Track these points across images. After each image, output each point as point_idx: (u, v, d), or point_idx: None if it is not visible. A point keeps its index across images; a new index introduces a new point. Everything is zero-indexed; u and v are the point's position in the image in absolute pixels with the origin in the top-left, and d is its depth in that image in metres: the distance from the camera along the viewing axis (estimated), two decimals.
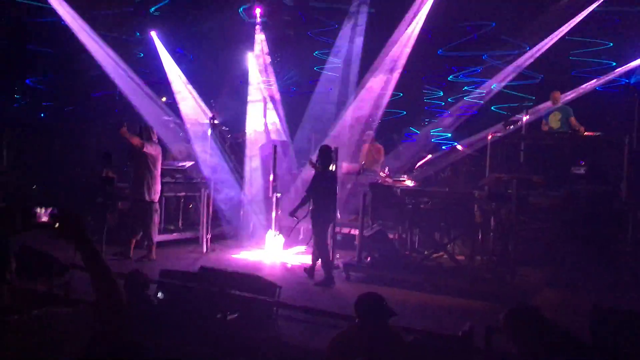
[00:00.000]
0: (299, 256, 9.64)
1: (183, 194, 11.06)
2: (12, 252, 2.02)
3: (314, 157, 8.75)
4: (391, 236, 9.15)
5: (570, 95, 11.67)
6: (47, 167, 13.42)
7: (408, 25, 12.44)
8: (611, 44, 11.97)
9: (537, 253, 8.50)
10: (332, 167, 8.48)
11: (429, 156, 11.10)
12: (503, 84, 12.65)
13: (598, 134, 9.73)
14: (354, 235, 9.82)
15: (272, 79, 13.64)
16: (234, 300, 5.49)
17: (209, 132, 11.72)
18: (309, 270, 8.41)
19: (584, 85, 12.01)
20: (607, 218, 8.42)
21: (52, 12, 11.96)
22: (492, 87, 12.85)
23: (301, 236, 10.91)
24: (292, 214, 8.49)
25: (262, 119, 13.26)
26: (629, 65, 11.71)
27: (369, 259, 8.61)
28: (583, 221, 8.39)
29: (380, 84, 12.89)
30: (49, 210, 2.14)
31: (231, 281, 6.06)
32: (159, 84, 13.80)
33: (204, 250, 9.83)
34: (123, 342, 4.67)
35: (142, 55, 14.09)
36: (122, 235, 9.29)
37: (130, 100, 12.93)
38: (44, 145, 14.26)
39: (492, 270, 7.93)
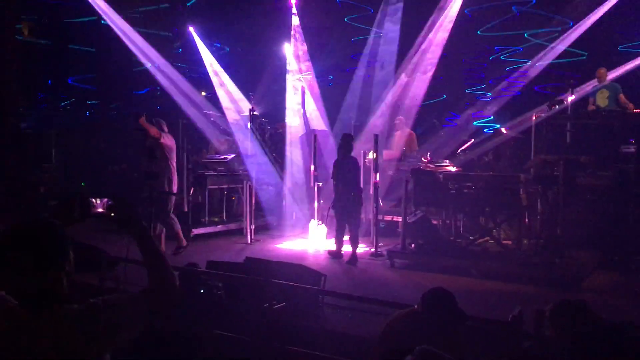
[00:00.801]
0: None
1: (226, 186, 11.17)
2: (70, 244, 2.07)
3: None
4: (435, 222, 9.04)
5: (617, 71, 11.26)
6: (94, 164, 13.77)
7: (446, 6, 12.22)
8: None
9: (586, 235, 8.26)
10: (372, 155, 8.48)
11: (472, 140, 10.91)
12: (546, 62, 12.29)
13: None
14: (397, 222, 9.76)
15: (310, 68, 13.64)
16: (280, 290, 5.53)
17: (249, 124, 11.81)
18: (336, 253, 8.76)
19: (632, 61, 11.57)
20: None
21: (92, 11, 12.22)
22: (535, 66, 12.50)
23: None
24: (333, 207, 8.92)
25: (301, 108, 13.27)
26: None
27: (413, 245, 8.54)
28: (634, 201, 8.11)
29: (420, 69, 12.72)
30: (105, 200, 2.22)
31: (276, 271, 6.11)
32: (199, 79, 13.98)
33: (248, 241, 9.92)
34: (176, 330, 4.79)
35: (181, 50, 14.28)
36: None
37: (171, 95, 13.13)
38: (91, 143, 14.64)
39: (540, 254, 7.76)
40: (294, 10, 13.36)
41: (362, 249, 9.24)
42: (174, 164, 8.99)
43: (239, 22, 13.66)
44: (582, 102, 10.51)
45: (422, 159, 9.95)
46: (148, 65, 12.96)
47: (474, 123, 13.40)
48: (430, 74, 12.65)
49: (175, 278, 2.25)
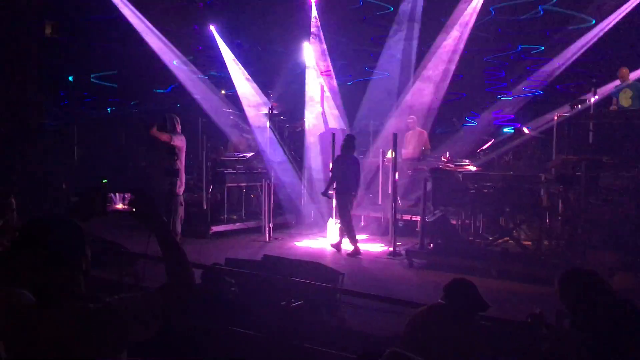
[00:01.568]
0: (361, 244, 9.63)
1: (245, 184, 11.21)
2: (88, 241, 2.08)
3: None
4: (454, 222, 8.99)
5: None
6: (115, 160, 13.90)
7: (468, 4, 12.12)
8: None
9: (608, 236, 8.15)
10: (391, 154, 8.47)
11: (492, 140, 10.81)
12: (569, 61, 12.13)
13: None
14: (415, 222, 9.72)
15: (329, 66, 13.63)
16: (298, 288, 5.54)
17: (268, 122, 11.83)
18: (337, 245, 9.17)
19: None
20: None
21: (113, 8, 12.34)
22: (557, 65, 12.34)
23: (362, 223, 10.90)
24: (324, 193, 9.54)
25: (320, 107, 13.27)
26: None
27: (431, 245, 8.50)
28: None
29: (440, 67, 12.64)
30: (124, 195, 2.22)
31: (294, 269, 6.12)
32: (218, 77, 14.04)
33: (267, 238, 9.95)
34: (192, 326, 4.81)
35: (201, 48, 14.36)
36: (184, 226, 9.42)
37: (191, 93, 13.21)
38: (111, 140, 14.78)
39: (561, 255, 7.67)
40: (314, 8, 13.36)
41: (380, 248, 9.22)
42: (183, 165, 9.08)
43: (258, 20, 13.69)
44: (605, 101, 10.36)
45: (442, 158, 9.89)
46: (174, 62, 13.07)
47: (495, 122, 13.28)
48: (450, 72, 12.56)
49: (192, 273, 2.26)
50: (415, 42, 13.12)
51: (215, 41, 13.61)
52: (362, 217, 11.01)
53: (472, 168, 9.41)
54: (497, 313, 5.16)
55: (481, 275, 7.48)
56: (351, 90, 14.11)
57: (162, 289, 2.16)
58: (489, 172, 9.29)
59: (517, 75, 13.19)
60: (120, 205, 2.22)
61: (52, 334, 1.88)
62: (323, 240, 9.81)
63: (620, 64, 10.55)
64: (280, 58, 13.97)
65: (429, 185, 8.80)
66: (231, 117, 13.14)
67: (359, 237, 9.90)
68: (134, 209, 2.22)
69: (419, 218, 9.01)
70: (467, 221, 8.94)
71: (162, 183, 8.73)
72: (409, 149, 11.38)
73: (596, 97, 9.69)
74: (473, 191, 8.48)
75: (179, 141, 8.99)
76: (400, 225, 9.63)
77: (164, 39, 12.94)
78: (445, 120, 12.77)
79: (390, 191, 9.38)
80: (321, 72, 13.53)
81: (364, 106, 13.50)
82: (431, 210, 8.89)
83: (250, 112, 13.16)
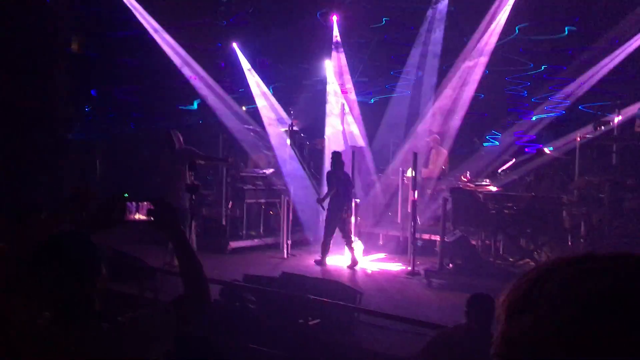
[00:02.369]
0: (379, 263, 9.57)
1: (264, 200, 11.24)
2: (104, 259, 2.08)
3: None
4: (474, 242, 8.90)
5: None
6: (137, 174, 14.03)
7: (490, 23, 12.11)
8: None
9: None
10: (411, 172, 8.43)
11: (513, 160, 10.73)
12: (592, 81, 12.02)
13: None
14: (434, 241, 9.64)
15: (350, 84, 13.68)
16: (316, 306, 5.51)
17: (288, 140, 11.88)
18: (352, 264, 9.18)
19: None
20: None
21: (138, 24, 12.57)
22: (580, 85, 12.24)
23: (380, 242, 10.83)
24: (320, 202, 9.61)
25: (340, 124, 13.30)
26: None
27: (450, 265, 8.41)
28: None
29: (461, 86, 12.62)
30: (142, 204, 2.18)
31: (312, 286, 6.10)
32: (240, 93, 14.16)
33: (285, 255, 9.93)
34: (209, 342, 4.81)
35: (224, 65, 14.52)
36: (202, 241, 9.41)
37: (213, 109, 13.33)
38: (133, 154, 14.95)
39: None
40: (335, 26, 13.46)
41: (398, 267, 9.15)
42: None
43: (280, 37, 13.82)
44: (630, 122, 10.22)
45: (462, 177, 9.83)
46: (194, 77, 13.24)
47: (516, 142, 13.17)
48: (471, 92, 12.52)
49: (208, 285, 2.25)
50: (436, 61, 13.11)
51: (238, 58, 13.77)
52: (381, 235, 10.94)
53: (493, 188, 9.34)
54: None
55: None
56: (372, 108, 14.12)
57: (177, 302, 2.16)
58: (510, 192, 9.22)
59: (540, 95, 13.09)
60: (137, 215, 2.17)
61: (65, 353, 1.87)
62: (341, 258, 9.77)
63: None
64: (301, 75, 14.06)
65: (449, 205, 8.74)
66: (251, 133, 13.22)
67: (377, 255, 9.90)
68: (152, 218, 2.18)
69: (438, 237, 8.94)
70: (487, 242, 8.85)
71: (183, 198, 8.76)
72: (430, 168, 11.32)
73: (620, 117, 9.58)
74: (494, 211, 8.41)
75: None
76: (419, 244, 9.56)
77: (187, 55, 13.11)
78: (465, 139, 12.70)
79: (409, 209, 9.32)
80: (342, 90, 13.57)
81: (384, 124, 13.49)
82: (451, 229, 8.82)
83: (270, 129, 13.23)
